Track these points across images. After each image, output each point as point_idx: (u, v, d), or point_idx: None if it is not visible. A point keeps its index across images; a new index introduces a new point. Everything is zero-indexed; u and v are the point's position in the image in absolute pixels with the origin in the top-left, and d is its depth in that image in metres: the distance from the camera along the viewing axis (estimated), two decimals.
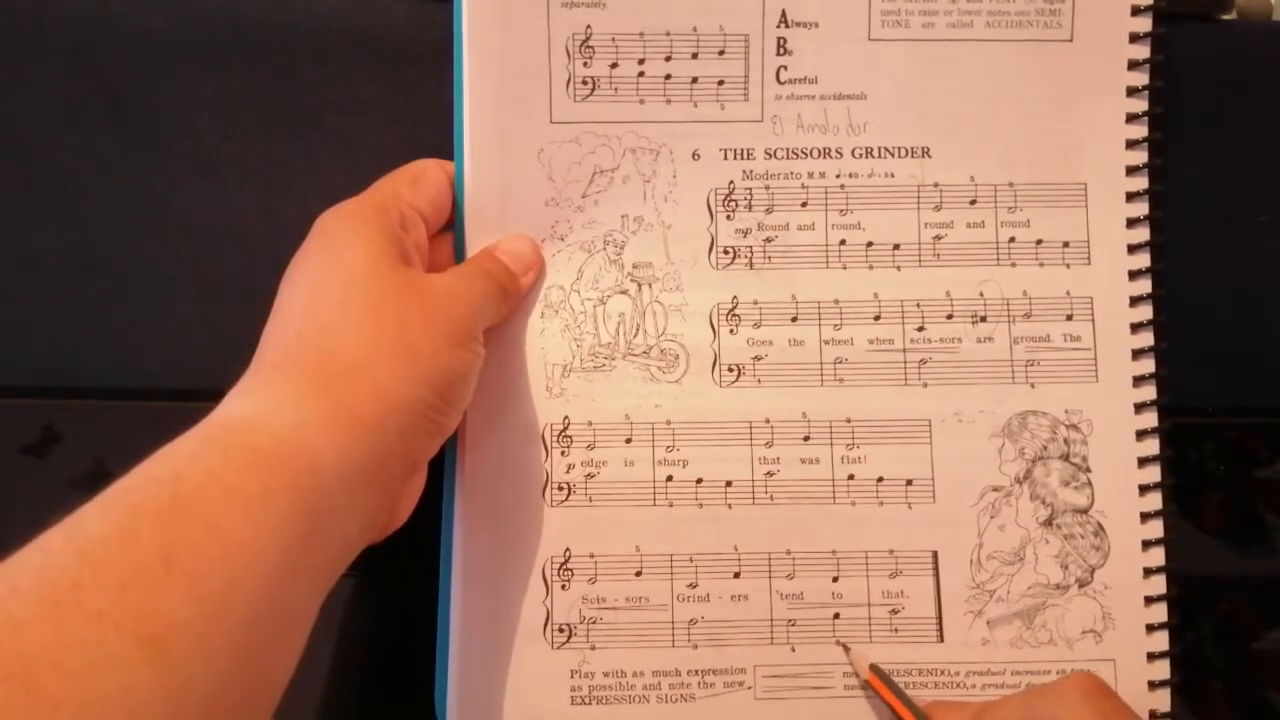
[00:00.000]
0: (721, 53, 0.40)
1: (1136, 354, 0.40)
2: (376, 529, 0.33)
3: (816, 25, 0.40)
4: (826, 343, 0.40)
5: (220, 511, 0.26)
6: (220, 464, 0.27)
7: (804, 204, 0.40)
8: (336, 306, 0.32)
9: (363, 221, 0.34)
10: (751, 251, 0.40)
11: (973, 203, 0.40)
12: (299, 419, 0.29)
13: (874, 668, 0.38)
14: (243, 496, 0.27)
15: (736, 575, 0.39)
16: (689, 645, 0.39)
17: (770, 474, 0.39)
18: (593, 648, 0.39)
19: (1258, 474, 0.42)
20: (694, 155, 0.40)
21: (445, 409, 0.34)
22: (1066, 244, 0.40)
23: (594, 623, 0.39)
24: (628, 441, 0.39)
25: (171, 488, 0.26)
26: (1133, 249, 0.40)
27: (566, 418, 0.40)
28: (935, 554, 0.40)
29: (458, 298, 0.35)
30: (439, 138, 0.40)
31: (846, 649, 0.39)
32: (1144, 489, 0.40)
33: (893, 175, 0.40)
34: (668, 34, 0.39)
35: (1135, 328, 0.40)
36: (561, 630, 0.39)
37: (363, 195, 0.36)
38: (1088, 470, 0.40)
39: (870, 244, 0.40)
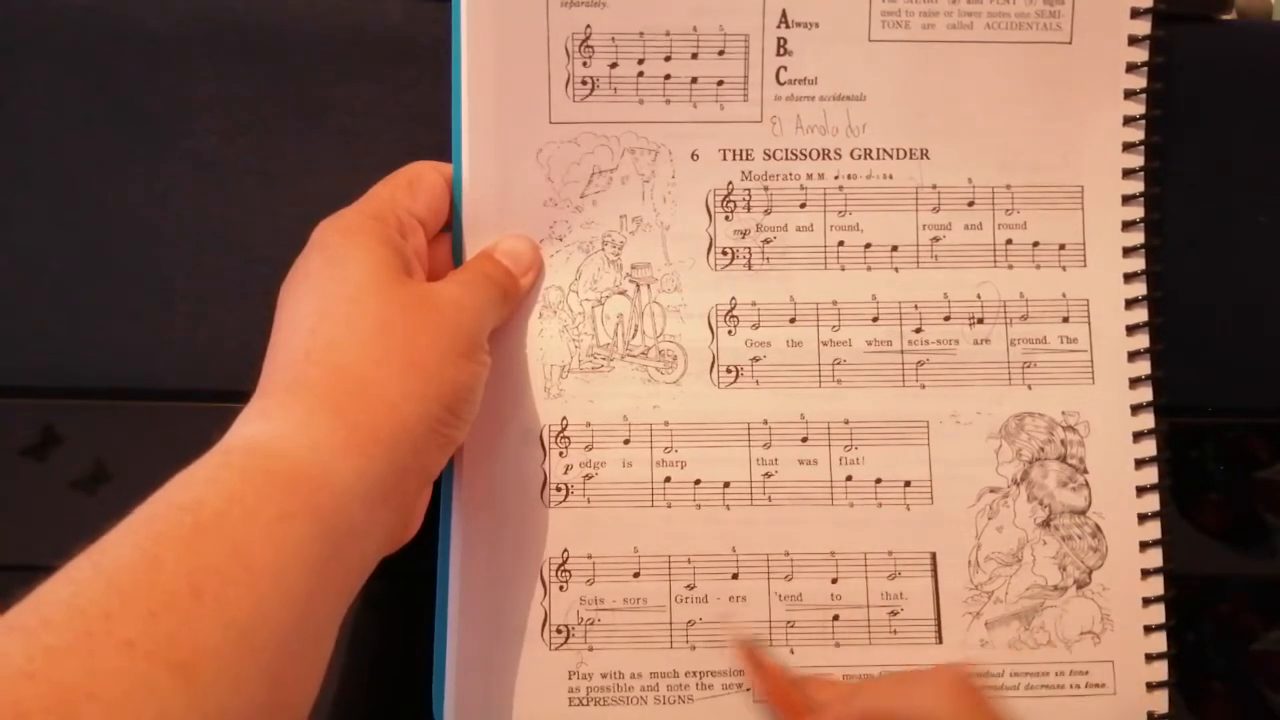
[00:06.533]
0: (721, 53, 0.40)
1: (1132, 356, 0.40)
2: (391, 543, 0.33)
3: (816, 26, 0.40)
4: (824, 344, 0.40)
5: (243, 536, 0.26)
6: (240, 487, 0.27)
7: (803, 205, 0.40)
8: (343, 325, 0.32)
9: (363, 233, 0.34)
10: (750, 252, 0.40)
11: (970, 205, 0.40)
12: (314, 440, 0.29)
13: (742, 643, 0.37)
14: (264, 520, 0.27)
15: (735, 576, 0.39)
16: (687, 646, 0.39)
17: (768, 475, 0.40)
18: (590, 649, 0.39)
19: (1257, 474, 0.42)
20: (693, 156, 0.40)
21: (455, 423, 0.34)
22: (1063, 246, 0.40)
23: (592, 624, 0.39)
24: (626, 442, 0.40)
25: (194, 513, 0.26)
26: (1128, 251, 0.40)
27: (565, 418, 0.40)
28: (933, 555, 0.40)
29: (463, 308, 0.35)
30: (438, 138, 0.40)
31: (727, 622, 0.39)
32: (1141, 490, 0.40)
33: (891, 177, 0.40)
34: (667, 34, 0.39)
35: (1131, 330, 0.40)
36: (559, 631, 0.39)
37: (360, 204, 0.36)
38: (1085, 472, 0.40)
39: (868, 245, 0.40)
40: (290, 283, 0.34)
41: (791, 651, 0.39)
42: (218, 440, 0.30)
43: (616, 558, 0.39)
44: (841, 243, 0.40)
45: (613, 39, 0.39)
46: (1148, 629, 0.39)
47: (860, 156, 0.40)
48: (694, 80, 0.40)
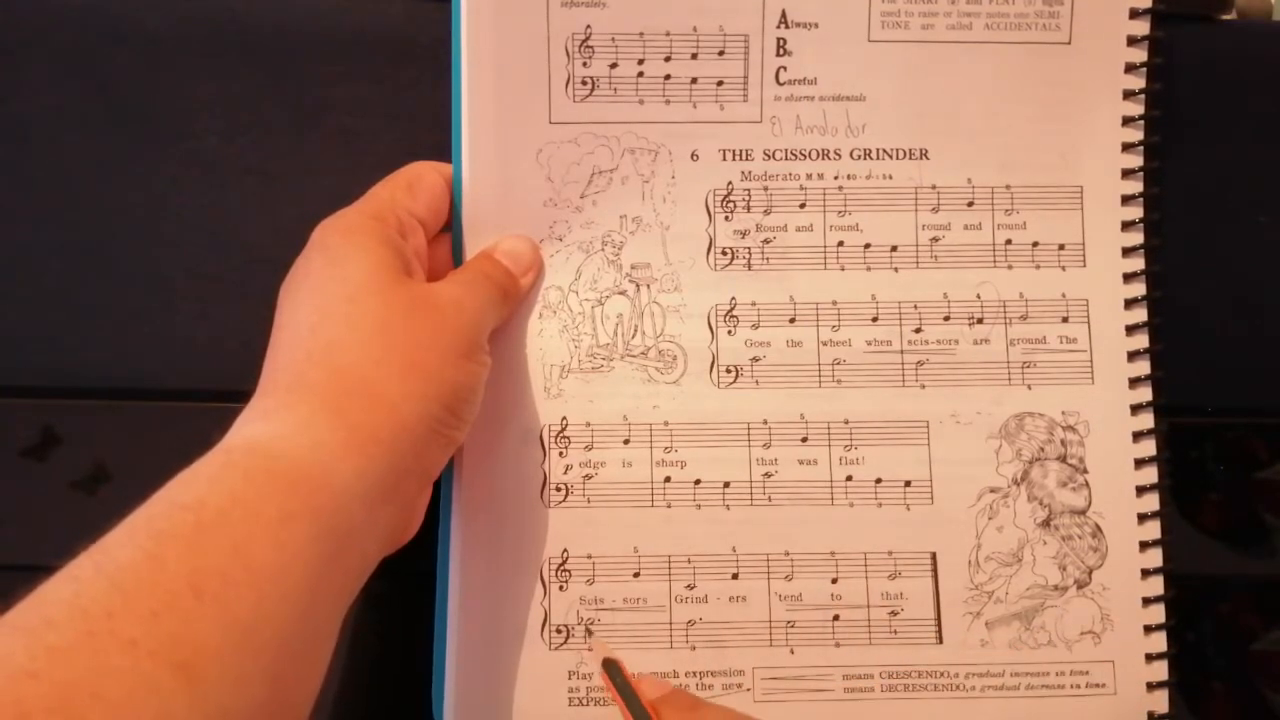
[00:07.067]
0: (721, 53, 0.40)
1: (1132, 356, 0.40)
2: (392, 543, 0.33)
3: (816, 26, 0.40)
4: (824, 344, 0.40)
5: (245, 536, 0.26)
6: (242, 487, 0.27)
7: (802, 205, 0.40)
8: (344, 326, 0.32)
9: (363, 234, 0.34)
10: (750, 252, 0.40)
11: (970, 205, 0.40)
12: (315, 440, 0.29)
13: (606, 664, 0.37)
14: (266, 521, 0.27)
15: (735, 576, 0.39)
16: (687, 647, 0.39)
17: (768, 475, 0.40)
18: (590, 649, 0.39)
19: (1257, 475, 0.42)
20: (693, 156, 0.40)
21: (456, 423, 0.34)
22: (1062, 246, 0.40)
23: (592, 624, 0.39)
24: (626, 442, 0.40)
25: (195, 513, 0.26)
26: (1128, 251, 0.40)
27: (564, 418, 0.40)
28: (934, 555, 0.40)
29: (463, 308, 0.35)
30: (438, 138, 0.40)
31: (589, 633, 0.39)
32: (1141, 490, 0.40)
33: (891, 177, 0.40)
34: (667, 34, 0.39)
35: (1130, 330, 0.40)
36: (559, 631, 0.39)
37: (360, 204, 0.36)
38: (1085, 471, 0.40)
39: (868, 245, 0.40)
40: (290, 283, 0.34)
41: (791, 651, 0.39)
42: (218, 440, 0.30)
43: (616, 558, 0.39)
44: (841, 243, 0.40)
45: (613, 39, 0.39)
46: (1148, 629, 0.39)
47: (860, 157, 0.40)
48: (694, 80, 0.40)
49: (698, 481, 0.39)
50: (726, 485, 0.39)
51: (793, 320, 0.40)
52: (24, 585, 0.24)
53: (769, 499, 0.39)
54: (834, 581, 0.39)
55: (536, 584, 0.39)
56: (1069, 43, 0.40)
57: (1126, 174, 0.40)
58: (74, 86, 0.41)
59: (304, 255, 0.34)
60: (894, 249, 0.40)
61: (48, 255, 0.41)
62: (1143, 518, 0.40)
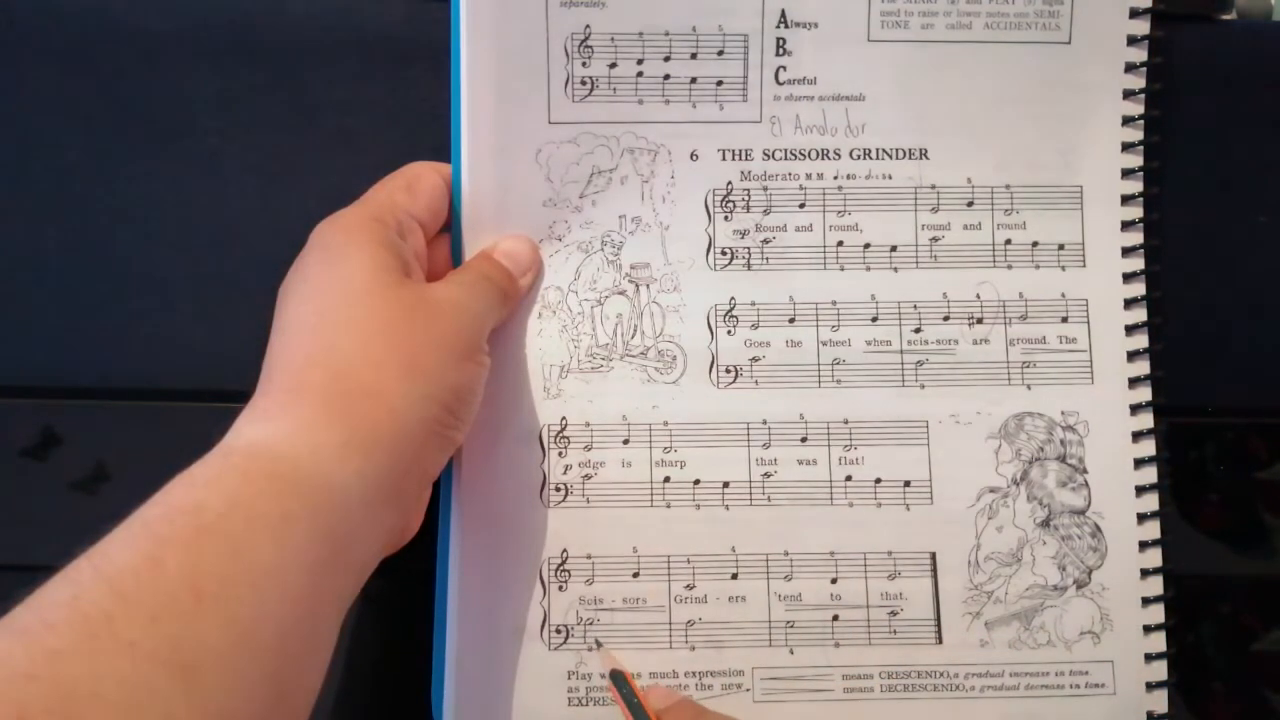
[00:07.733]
0: (720, 53, 0.40)
1: (1131, 356, 0.40)
2: (392, 543, 0.34)
3: (816, 26, 0.40)
4: (824, 344, 0.40)
5: (245, 538, 0.26)
6: (241, 489, 0.27)
7: (802, 205, 0.40)
8: (343, 327, 0.32)
9: (362, 234, 0.34)
10: (749, 252, 0.40)
11: (970, 205, 0.40)
12: (315, 442, 0.29)
13: (613, 675, 0.37)
14: (266, 522, 0.27)
15: (734, 576, 0.39)
16: (686, 647, 0.39)
17: (768, 475, 0.40)
18: (590, 649, 0.39)
19: (1257, 474, 0.42)
20: (692, 156, 0.40)
21: (455, 423, 0.34)
22: (1062, 246, 0.40)
23: (591, 624, 0.39)
24: (625, 442, 0.40)
25: (195, 515, 0.26)
26: (1127, 251, 0.40)
27: (564, 418, 0.40)
28: (933, 555, 0.40)
29: (462, 309, 0.35)
30: (438, 138, 0.40)
31: (598, 644, 0.39)
32: (1140, 490, 0.40)
33: (890, 177, 0.40)
34: (667, 34, 0.39)
35: (1130, 330, 0.40)
36: (559, 631, 0.39)
37: (359, 205, 0.36)
38: (1084, 471, 0.40)
39: (868, 245, 0.40)
40: (289, 283, 0.34)
41: (791, 652, 0.39)
42: (218, 440, 0.30)
43: (616, 558, 0.39)
44: (840, 243, 0.40)
45: (612, 39, 0.39)
46: (1147, 629, 0.39)
47: (859, 156, 0.40)
48: (693, 80, 0.40)
49: (697, 481, 0.39)
50: (726, 485, 0.39)
51: (792, 320, 0.40)
52: (24, 585, 0.24)
53: (768, 499, 0.39)
54: (833, 581, 0.39)
55: (536, 584, 0.39)
56: (1069, 42, 0.40)
57: (1126, 174, 0.40)
58: (74, 86, 0.41)
59: (303, 255, 0.34)
60: (893, 249, 0.40)
61: (48, 255, 0.41)
62: (1142, 518, 0.40)
